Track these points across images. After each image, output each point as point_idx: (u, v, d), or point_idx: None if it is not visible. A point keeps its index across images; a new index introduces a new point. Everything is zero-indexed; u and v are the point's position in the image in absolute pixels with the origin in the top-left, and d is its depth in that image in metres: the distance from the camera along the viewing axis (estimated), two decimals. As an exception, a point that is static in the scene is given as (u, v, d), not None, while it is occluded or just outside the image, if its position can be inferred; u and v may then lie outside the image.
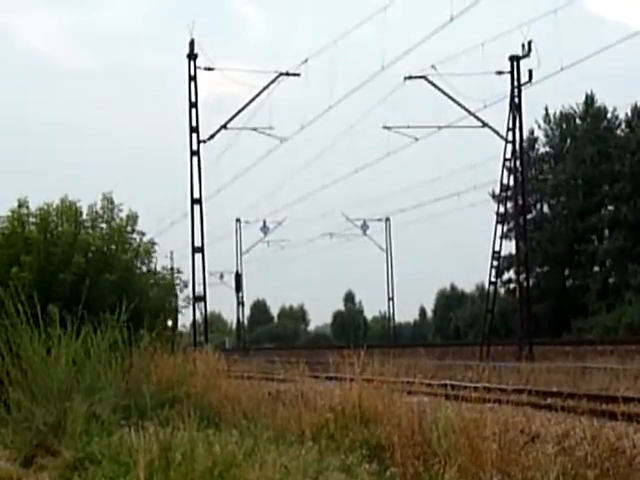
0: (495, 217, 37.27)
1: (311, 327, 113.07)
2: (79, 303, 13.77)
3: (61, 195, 17.51)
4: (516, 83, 33.66)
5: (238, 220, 69.17)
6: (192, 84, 31.28)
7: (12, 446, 11.19)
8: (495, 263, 35.65)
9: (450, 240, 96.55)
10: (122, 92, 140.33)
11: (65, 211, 17.17)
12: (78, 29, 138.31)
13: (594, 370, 20.10)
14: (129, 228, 17.63)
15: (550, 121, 66.33)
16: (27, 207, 17.35)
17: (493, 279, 36.11)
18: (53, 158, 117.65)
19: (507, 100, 33.98)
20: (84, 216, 17.43)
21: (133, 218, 17.68)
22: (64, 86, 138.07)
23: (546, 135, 66.79)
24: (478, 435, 7.71)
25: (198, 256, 31.29)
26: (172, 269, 36.39)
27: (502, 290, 60.36)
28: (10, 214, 17.35)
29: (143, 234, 18.03)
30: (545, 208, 67.47)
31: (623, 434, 9.27)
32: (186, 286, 24.14)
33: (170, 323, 34.18)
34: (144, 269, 18.28)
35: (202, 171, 31.16)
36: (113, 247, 17.35)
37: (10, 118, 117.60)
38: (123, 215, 17.63)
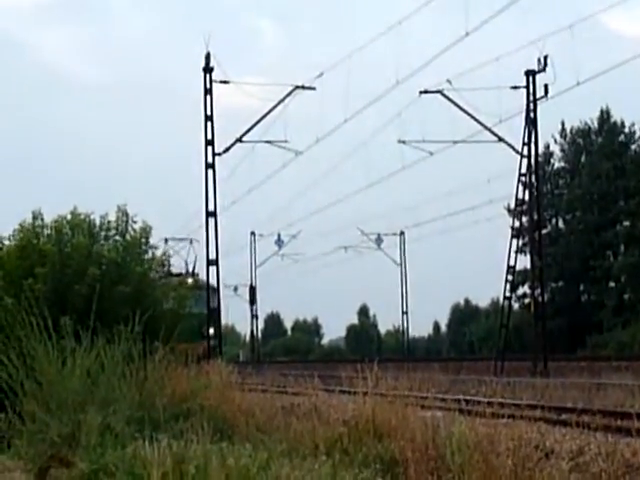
0: (510, 231, 37.18)
1: (325, 340, 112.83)
2: (93, 315, 13.79)
3: (72, 207, 17.60)
4: (532, 98, 33.61)
5: (253, 233, 69.16)
6: (208, 97, 31.40)
7: (26, 457, 11.22)
8: (510, 278, 35.54)
9: (465, 254, 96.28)
10: (136, 105, 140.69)
11: (79, 223, 17.23)
12: (92, 43, 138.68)
13: (609, 386, 19.99)
14: (143, 240, 17.67)
15: (566, 136, 66.24)
16: (42, 219, 17.43)
17: (508, 294, 36.01)
18: (64, 171, 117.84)
19: (523, 115, 33.96)
20: (97, 228, 17.48)
21: (147, 230, 17.72)
22: (77, 99, 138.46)
23: (562, 150, 66.69)
24: (492, 451, 7.68)
25: (212, 269, 31.39)
26: (194, 273, 35.76)
27: (517, 305, 60.19)
28: (24, 226, 17.43)
29: (156, 248, 18.11)
30: (560, 223, 67.32)
31: (638, 450, 9.23)
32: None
33: (212, 331, 33.61)
34: (158, 281, 18.28)
35: (217, 184, 31.28)
36: (128, 259, 17.39)
37: (21, 131, 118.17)
38: (137, 227, 17.69)
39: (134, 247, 17.53)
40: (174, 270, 38.90)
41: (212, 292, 37.83)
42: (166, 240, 40.77)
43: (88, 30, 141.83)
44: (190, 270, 39.64)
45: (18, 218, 17.76)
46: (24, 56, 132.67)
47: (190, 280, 35.21)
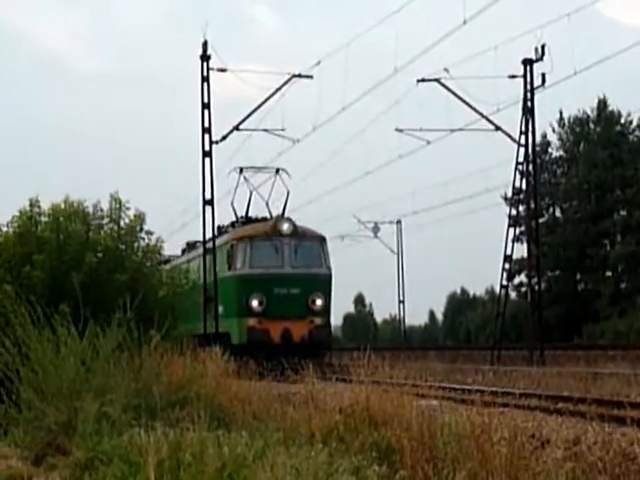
0: (507, 220, 37.19)
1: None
2: (90, 303, 13.79)
3: (69, 196, 17.60)
4: (529, 87, 33.59)
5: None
6: (205, 85, 31.34)
7: (23, 445, 11.23)
8: (506, 266, 35.57)
9: (461, 243, 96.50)
10: (134, 94, 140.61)
11: (75, 211, 17.23)
12: (90, 31, 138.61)
13: (605, 375, 20.04)
14: (137, 227, 17.66)
15: (564, 125, 66.25)
16: (39, 207, 17.44)
17: (504, 283, 36.04)
18: (62, 160, 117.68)
19: (520, 104, 33.94)
20: (91, 216, 17.48)
21: (141, 217, 17.70)
22: (76, 87, 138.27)
23: (559, 139, 66.73)
24: (487, 439, 7.69)
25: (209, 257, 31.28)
26: (283, 216, 29.79)
27: (513, 294, 60.31)
28: (23, 213, 17.44)
29: (151, 233, 18.04)
30: (557, 212, 67.38)
31: (634, 440, 9.25)
32: None
33: (319, 303, 26.38)
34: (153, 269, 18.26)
35: (214, 172, 31.20)
36: (123, 247, 17.39)
37: (22, 119, 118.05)
38: (130, 214, 17.68)
39: (129, 234, 17.52)
40: (252, 215, 30.98)
41: (319, 243, 28.61)
42: (241, 170, 31.98)
43: (86, 18, 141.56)
44: (278, 213, 30.50)
45: (16, 205, 17.82)
46: (22, 44, 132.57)
47: (286, 227, 27.82)
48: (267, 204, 31.28)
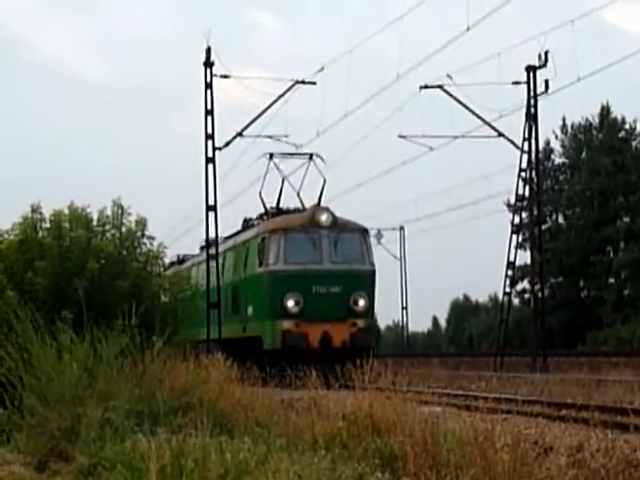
0: (510, 227, 37.16)
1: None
2: (92, 309, 13.79)
3: (69, 202, 17.59)
4: (532, 93, 33.58)
5: (253, 227, 68.76)
6: (208, 91, 31.38)
7: (26, 451, 11.23)
8: (510, 273, 35.55)
9: (464, 249, 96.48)
10: (136, 99, 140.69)
11: (77, 217, 17.23)
12: (92, 39, 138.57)
13: (608, 382, 20.00)
14: (139, 233, 17.64)
15: (567, 132, 66.28)
16: (40, 213, 17.44)
17: (507, 289, 36.02)
18: (64, 168, 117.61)
19: (523, 110, 33.93)
20: (94, 222, 17.48)
21: (142, 222, 17.69)
22: (77, 95, 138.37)
23: (562, 146, 66.71)
24: (490, 446, 7.68)
25: (213, 263, 31.26)
26: (320, 205, 26.35)
27: (516, 300, 60.25)
28: (24, 219, 17.44)
29: (153, 238, 18.01)
30: (560, 219, 67.35)
31: (638, 447, 9.23)
32: None
33: (362, 303, 23.90)
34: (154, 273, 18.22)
35: (217, 178, 31.18)
36: (125, 253, 17.38)
37: (23, 128, 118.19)
38: (132, 219, 17.68)
39: (132, 240, 17.51)
40: (282, 207, 28.81)
41: (361, 236, 25.87)
42: (271, 156, 29.31)
43: (87, 26, 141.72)
44: (313, 204, 27.78)
45: (18, 213, 17.82)
46: (23, 52, 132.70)
47: (324, 217, 25.17)
48: (298, 194, 29.19)
